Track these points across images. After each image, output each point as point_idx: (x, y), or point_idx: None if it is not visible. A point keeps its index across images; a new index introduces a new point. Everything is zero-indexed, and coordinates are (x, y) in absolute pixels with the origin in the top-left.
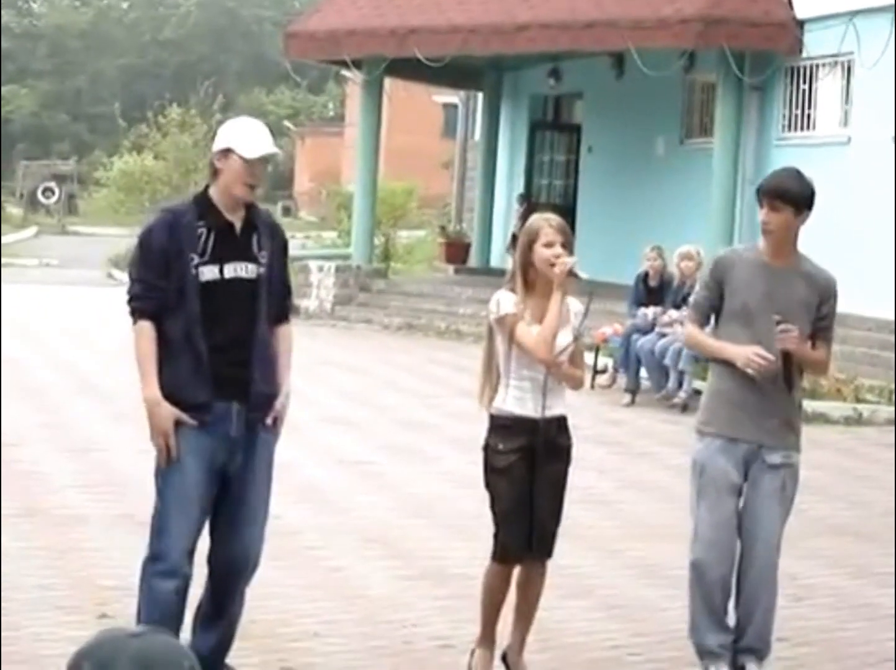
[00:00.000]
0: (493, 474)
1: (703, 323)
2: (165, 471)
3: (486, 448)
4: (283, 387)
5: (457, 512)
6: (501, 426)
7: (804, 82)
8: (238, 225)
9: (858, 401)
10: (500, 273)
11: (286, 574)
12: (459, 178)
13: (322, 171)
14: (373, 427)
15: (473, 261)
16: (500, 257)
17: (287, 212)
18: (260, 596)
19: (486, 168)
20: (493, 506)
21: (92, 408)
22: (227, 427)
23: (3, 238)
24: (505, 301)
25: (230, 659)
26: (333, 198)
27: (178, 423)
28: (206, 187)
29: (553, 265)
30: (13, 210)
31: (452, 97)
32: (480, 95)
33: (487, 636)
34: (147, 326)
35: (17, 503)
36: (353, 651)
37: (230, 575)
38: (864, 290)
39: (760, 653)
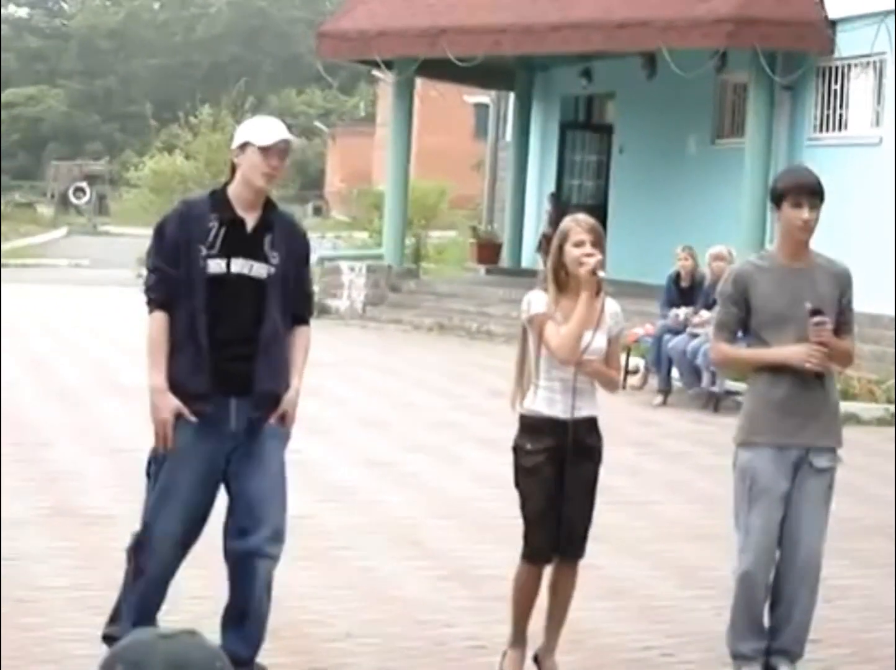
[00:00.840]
0: (522, 475)
1: (731, 340)
2: (161, 461)
3: (516, 448)
4: (293, 386)
5: (488, 513)
6: (531, 426)
7: (836, 82)
8: (251, 223)
9: (890, 402)
10: (532, 273)
11: (316, 574)
12: (490, 179)
13: (353, 172)
14: (403, 427)
15: (504, 261)
16: (532, 258)
17: (318, 212)
18: (290, 597)
19: (518, 168)
20: (522, 507)
21: (121, 408)
22: (225, 421)
23: (34, 238)
24: (536, 301)
25: (263, 660)
26: (364, 199)
27: (179, 416)
28: (226, 184)
29: (582, 264)
30: (44, 210)
31: (484, 97)
32: (512, 95)
33: (519, 637)
34: (160, 316)
35: (47, 503)
36: (385, 651)
37: (249, 563)
38: None
39: (794, 655)
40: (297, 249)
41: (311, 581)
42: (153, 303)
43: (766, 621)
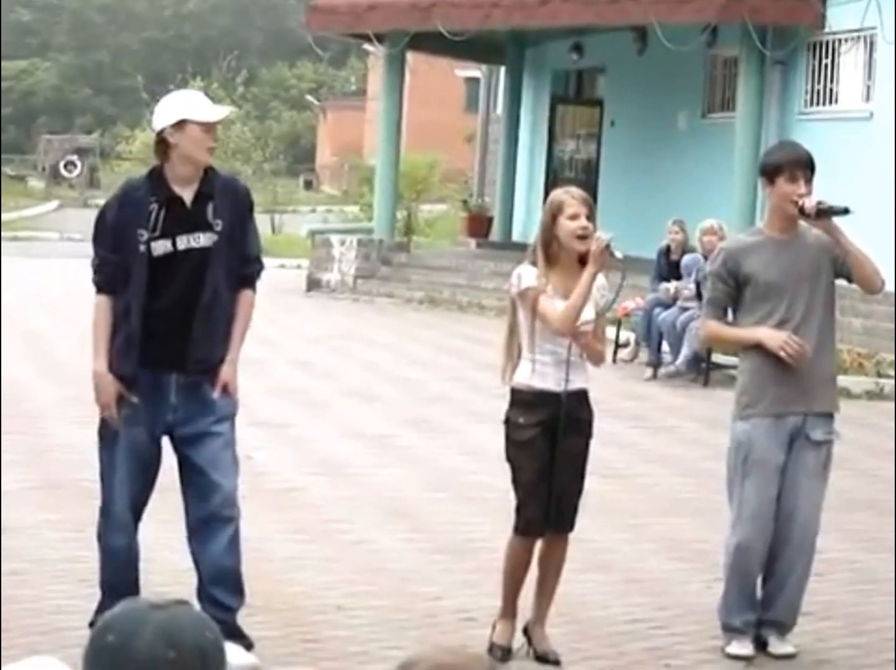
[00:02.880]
0: (514, 448)
1: (722, 317)
2: (105, 440)
3: (508, 422)
4: (229, 358)
5: (479, 486)
6: (523, 400)
7: (827, 57)
8: (189, 197)
9: (880, 375)
10: (522, 247)
11: (308, 547)
12: (481, 152)
13: (344, 145)
14: (394, 400)
15: (495, 235)
16: (522, 231)
17: (309, 185)
18: (282, 570)
19: (508, 142)
20: (514, 480)
21: None
22: (162, 395)
23: (25, 211)
24: (527, 275)
25: (254, 633)
26: (355, 172)
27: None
28: (160, 165)
29: (580, 237)
30: (35, 183)
31: (475, 71)
32: (503, 69)
33: (509, 609)
34: (103, 300)
35: (41, 476)
36: (376, 624)
37: (209, 524)
38: (888, 265)
39: (785, 627)
40: (239, 209)
41: (303, 553)
42: (97, 287)
43: (759, 594)
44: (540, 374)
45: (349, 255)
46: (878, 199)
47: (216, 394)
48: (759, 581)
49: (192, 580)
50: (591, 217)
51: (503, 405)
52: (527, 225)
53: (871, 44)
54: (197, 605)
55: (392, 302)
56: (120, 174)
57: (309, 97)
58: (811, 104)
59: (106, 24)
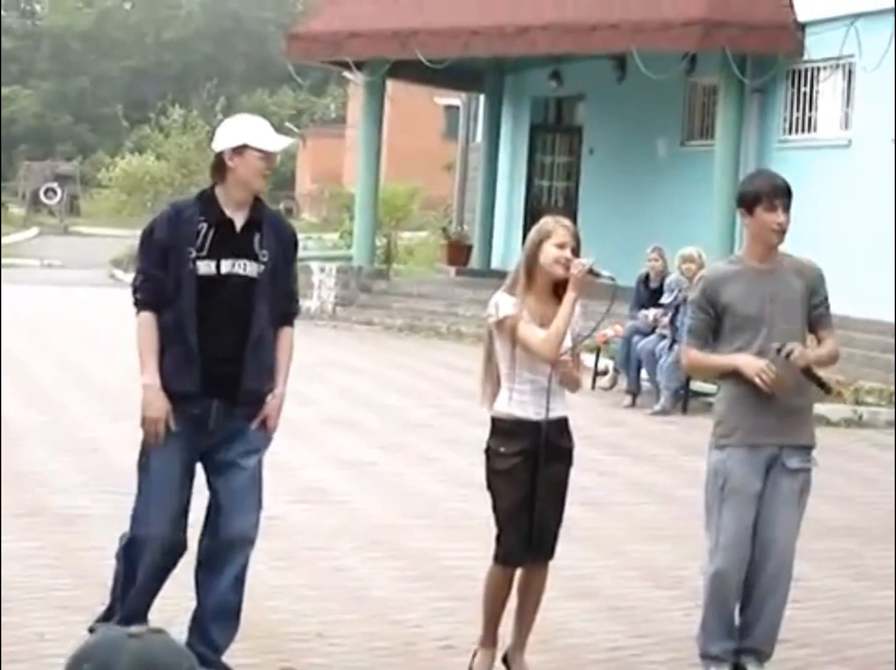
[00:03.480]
0: (494, 476)
1: (703, 346)
2: (149, 457)
3: (488, 450)
4: (278, 388)
5: (459, 514)
6: (502, 429)
7: (805, 85)
8: (240, 223)
9: (858, 403)
10: (502, 275)
11: (288, 574)
12: (461, 180)
13: (324, 173)
14: (374, 427)
15: (475, 262)
16: (502, 259)
17: (289, 212)
18: (262, 597)
19: (488, 170)
20: (494, 508)
21: (94, 408)
22: (205, 421)
23: (5, 239)
24: (504, 303)
25: (233, 660)
26: (335, 200)
27: (170, 398)
28: (213, 185)
29: (561, 263)
30: (16, 210)
31: (454, 99)
32: (482, 97)
33: (489, 637)
34: (148, 316)
35: (20, 502)
36: (356, 652)
37: (220, 557)
38: (865, 293)
39: (763, 655)
40: (285, 247)
41: (283, 580)
42: (140, 304)
43: (736, 621)
44: (519, 403)
45: (329, 282)
46: (855, 227)
47: (253, 426)
48: (737, 608)
49: (173, 607)
50: (576, 251)
51: (483, 432)
52: (506, 252)
53: (850, 72)
54: (182, 634)
55: (372, 329)
56: (99, 201)
57: (289, 124)
58: (790, 132)
59: (86, 52)
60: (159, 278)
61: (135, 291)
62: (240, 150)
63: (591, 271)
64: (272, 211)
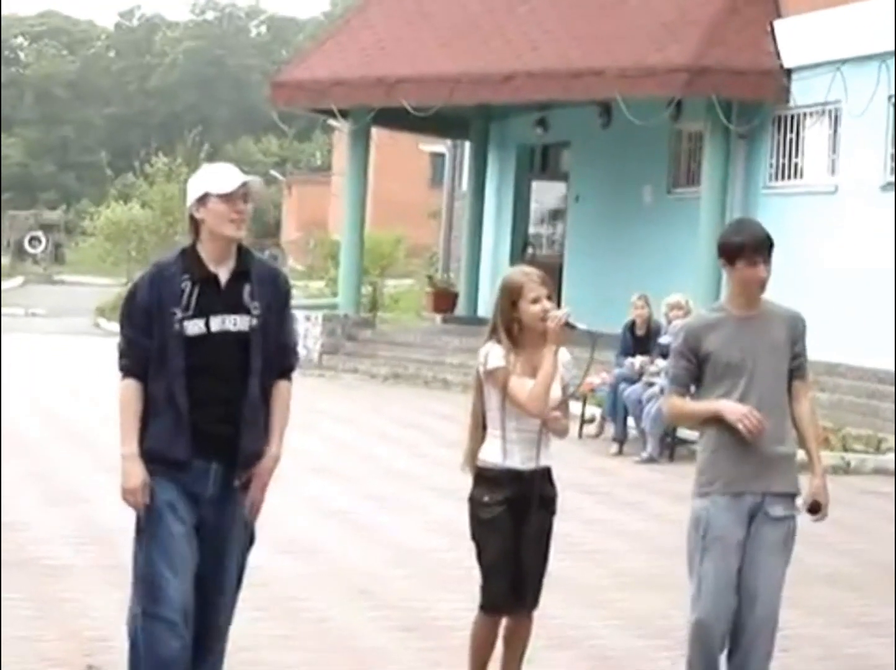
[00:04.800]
0: (479, 526)
1: (684, 394)
2: (147, 526)
3: (472, 500)
4: (272, 448)
5: (443, 563)
6: (488, 478)
7: (791, 131)
8: (225, 276)
9: (846, 450)
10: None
11: (272, 624)
12: (447, 228)
13: (309, 220)
14: (359, 476)
15: (461, 310)
16: (488, 306)
17: (274, 260)
18: (245, 647)
19: (474, 217)
20: (479, 558)
21: (78, 459)
22: (203, 486)
23: None
24: (494, 354)
25: None
26: (321, 247)
27: (154, 475)
28: (194, 241)
29: (544, 319)
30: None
31: (440, 146)
32: (468, 144)
33: None
34: (131, 383)
35: (3, 554)
36: None
37: (198, 640)
38: (852, 339)
39: None
40: (278, 297)
41: (267, 631)
42: (124, 371)
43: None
44: (507, 452)
45: (315, 331)
46: (841, 274)
47: (241, 481)
48: (723, 657)
49: None
50: (550, 296)
51: (467, 481)
52: (492, 300)
53: (836, 118)
54: None
55: (357, 377)
56: (84, 249)
57: (274, 172)
58: (776, 178)
59: (70, 100)
60: (143, 344)
61: (119, 357)
62: (202, 199)
63: (567, 323)
64: (262, 260)
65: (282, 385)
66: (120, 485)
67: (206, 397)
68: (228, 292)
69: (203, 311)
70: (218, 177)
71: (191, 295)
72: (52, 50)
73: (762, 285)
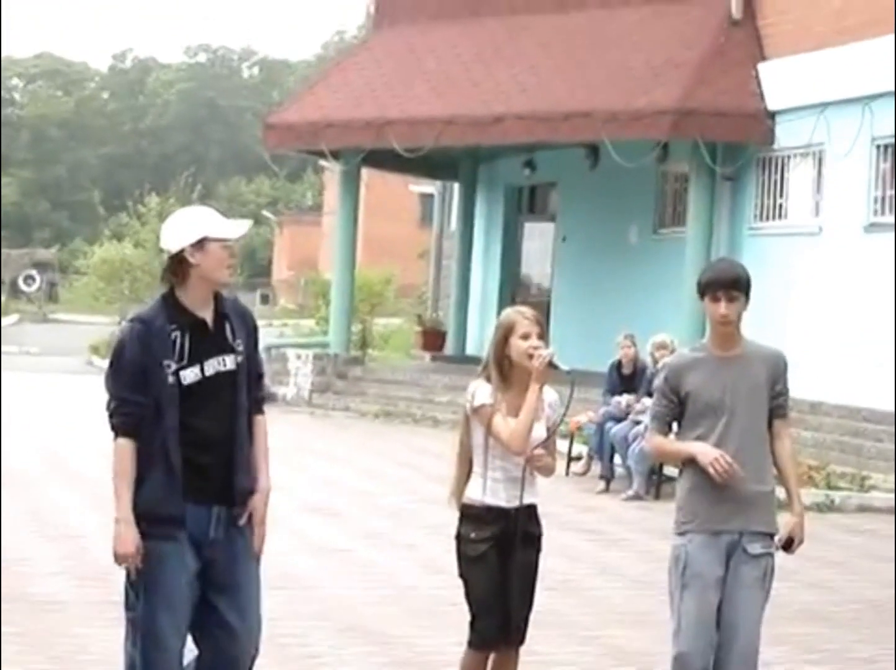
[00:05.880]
0: (466, 563)
1: (666, 432)
2: (147, 574)
3: (459, 537)
4: (262, 481)
5: (434, 600)
6: (473, 515)
7: (776, 172)
8: (209, 319)
9: (830, 487)
10: (477, 361)
11: (263, 661)
12: (436, 267)
13: (300, 260)
14: (350, 514)
15: (449, 348)
16: (477, 345)
17: (265, 300)
18: None
19: (462, 257)
20: (467, 595)
21: (73, 495)
22: (205, 531)
23: None
24: (481, 391)
25: None
26: (311, 287)
27: (150, 532)
28: (171, 289)
29: (531, 356)
30: None
31: (429, 187)
32: (457, 185)
33: None
34: (124, 444)
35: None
36: None
37: (234, 667)
38: (835, 378)
39: None
40: (249, 332)
41: (258, 668)
42: (118, 431)
43: None
44: (491, 490)
45: (305, 369)
46: (825, 314)
47: (244, 520)
48: None
49: None
50: (542, 335)
51: (456, 518)
52: (481, 339)
53: (820, 159)
54: None
55: (348, 415)
56: (78, 288)
57: (265, 212)
58: (761, 219)
59: (64, 140)
60: (137, 402)
61: (110, 417)
62: (199, 244)
63: (551, 363)
64: (229, 296)
65: (259, 419)
66: (112, 548)
67: (202, 442)
68: (216, 335)
69: (197, 358)
70: (217, 222)
71: (182, 344)
72: (47, 91)
73: (724, 322)
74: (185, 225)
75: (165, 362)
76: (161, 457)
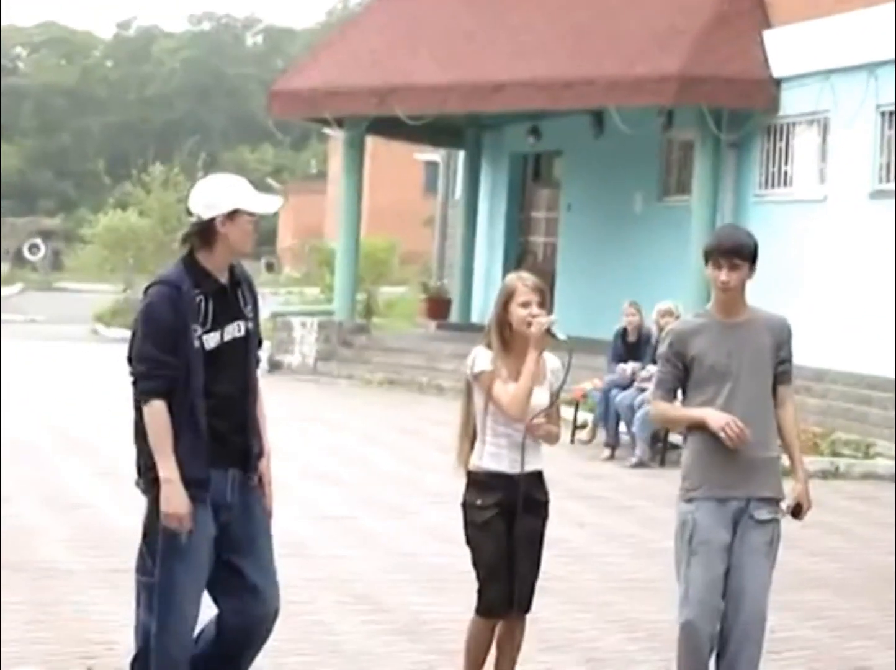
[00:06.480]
0: (473, 530)
1: (669, 398)
2: (174, 548)
3: (465, 504)
4: (266, 450)
5: (439, 567)
6: (478, 482)
7: (781, 140)
8: (227, 285)
9: (835, 454)
10: (481, 329)
11: None
12: (440, 235)
13: (305, 228)
14: (355, 482)
15: (454, 316)
16: (481, 313)
17: (270, 268)
18: None
19: (467, 225)
20: (475, 563)
21: (77, 464)
22: (223, 494)
23: None
24: (481, 358)
25: None
26: (316, 255)
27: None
28: (190, 252)
29: (530, 324)
30: None
31: (434, 155)
32: (461, 153)
33: None
34: (160, 406)
35: (2, 557)
36: None
37: (261, 626)
38: (842, 345)
39: None
40: (254, 298)
41: None
42: (152, 394)
43: None
44: (495, 457)
45: (310, 337)
46: (830, 281)
47: (267, 488)
48: (710, 659)
49: None
50: (543, 303)
51: (462, 486)
52: (485, 307)
53: (825, 127)
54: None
55: (352, 383)
56: (82, 257)
57: (270, 180)
58: (766, 186)
59: (69, 108)
60: (172, 364)
61: (143, 379)
62: (231, 215)
63: (548, 331)
64: (236, 263)
65: (259, 382)
66: (161, 510)
67: (222, 407)
68: (232, 300)
69: (218, 324)
70: (250, 195)
71: (206, 309)
72: (51, 60)
73: (725, 289)
74: (220, 193)
75: (193, 326)
76: (188, 421)
